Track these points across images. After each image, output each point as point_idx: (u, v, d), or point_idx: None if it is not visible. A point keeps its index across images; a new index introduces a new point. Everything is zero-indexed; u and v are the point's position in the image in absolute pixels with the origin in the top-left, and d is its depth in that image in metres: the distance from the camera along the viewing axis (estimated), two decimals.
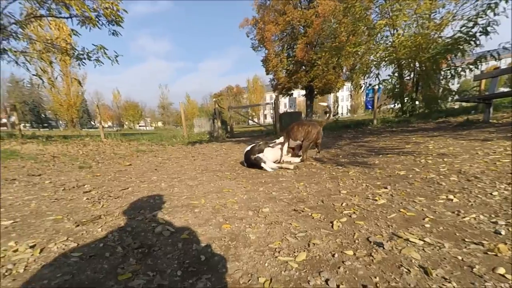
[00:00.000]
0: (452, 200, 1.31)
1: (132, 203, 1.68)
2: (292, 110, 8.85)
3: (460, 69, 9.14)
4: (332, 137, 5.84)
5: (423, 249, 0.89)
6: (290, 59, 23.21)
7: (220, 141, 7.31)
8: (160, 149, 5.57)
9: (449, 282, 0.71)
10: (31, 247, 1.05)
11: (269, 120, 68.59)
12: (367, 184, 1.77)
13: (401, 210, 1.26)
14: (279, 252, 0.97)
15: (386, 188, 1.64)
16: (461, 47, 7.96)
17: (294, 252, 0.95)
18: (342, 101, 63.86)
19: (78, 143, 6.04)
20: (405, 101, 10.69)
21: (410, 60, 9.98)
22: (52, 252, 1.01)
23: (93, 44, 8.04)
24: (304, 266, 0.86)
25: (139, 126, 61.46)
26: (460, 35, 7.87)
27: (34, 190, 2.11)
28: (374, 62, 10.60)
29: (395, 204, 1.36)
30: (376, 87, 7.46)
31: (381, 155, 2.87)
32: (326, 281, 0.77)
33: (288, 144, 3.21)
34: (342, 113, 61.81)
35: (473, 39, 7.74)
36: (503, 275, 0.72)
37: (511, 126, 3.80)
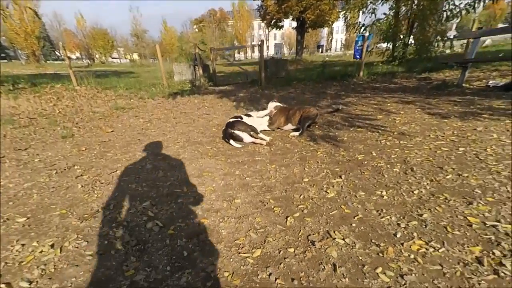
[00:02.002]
0: (383, 197, 1.67)
1: (122, 191, 1.95)
2: (278, 57, 8.38)
3: (457, 10, 8.66)
4: (315, 94, 5.91)
5: (341, 248, 1.27)
6: None
7: (202, 92, 7.15)
8: (140, 104, 5.48)
9: (344, 278, 1.10)
10: (51, 246, 1.35)
11: (257, 54, 63.74)
12: (328, 171, 2.10)
13: (342, 206, 1.62)
14: (242, 248, 1.32)
15: (340, 177, 1.97)
16: None
17: (252, 249, 1.31)
18: (337, 33, 59.08)
19: (50, 95, 5.76)
20: (397, 44, 10.33)
21: None
22: (69, 251, 1.32)
23: None
24: (258, 262, 1.23)
25: (112, 58, 55.61)
26: None
27: (28, 173, 2.29)
28: None
29: (341, 198, 1.71)
30: (367, 34, 7.05)
31: (352, 128, 3.14)
32: (269, 275, 1.15)
33: (282, 125, 3.34)
34: (336, 48, 58.25)
35: None
36: (378, 274, 1.11)
37: (476, 96, 4.06)
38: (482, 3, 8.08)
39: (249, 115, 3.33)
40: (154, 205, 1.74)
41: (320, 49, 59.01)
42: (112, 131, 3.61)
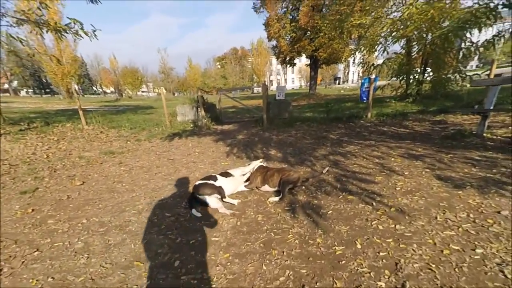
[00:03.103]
0: None
1: None
2: (281, 98, 8.29)
3: (473, 48, 8.24)
4: (316, 138, 5.50)
5: None
6: (293, 24, 21.17)
7: (203, 133, 7.05)
8: (134, 148, 5.38)
9: None
10: None
11: (275, 86, 66.45)
12: (291, 273, 1.58)
13: None
14: None
15: None
16: (480, 21, 6.93)
17: None
18: (354, 66, 59.85)
19: (54, 136, 5.90)
20: (410, 82, 9.92)
21: (420, 34, 8.96)
22: None
23: (67, 17, 7.42)
24: None
25: (142, 92, 60.72)
26: (478, 7, 6.84)
27: None
28: (382, 35, 9.59)
29: None
30: (373, 76, 6.77)
31: (342, 194, 2.63)
32: None
33: (257, 187, 2.97)
34: (353, 80, 58.43)
35: (493, 12, 6.72)
36: None
37: (500, 152, 3.39)
38: (502, 40, 7.60)
39: (228, 174, 2.96)
40: None
41: (337, 81, 59.94)
42: (82, 183, 3.41)
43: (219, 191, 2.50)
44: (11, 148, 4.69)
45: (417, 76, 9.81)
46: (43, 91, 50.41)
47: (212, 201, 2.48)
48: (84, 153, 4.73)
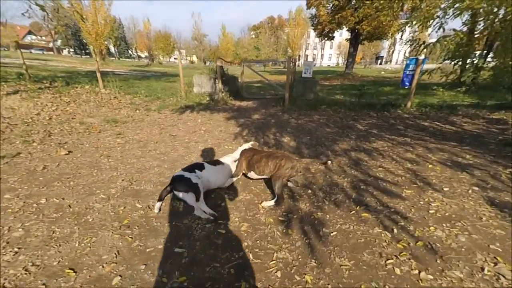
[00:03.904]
0: None
1: None
2: (307, 76, 7.37)
3: None
4: (340, 127, 4.78)
5: None
6: None
7: (218, 108, 6.62)
8: (140, 118, 5.15)
9: None
10: None
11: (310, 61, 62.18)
12: None
13: None
14: None
15: None
16: None
17: None
18: (401, 44, 53.04)
19: (68, 96, 5.90)
20: (467, 67, 8.27)
21: (490, 7, 7.14)
22: None
23: None
24: None
25: (174, 59, 61.12)
26: None
27: None
28: (442, 6, 7.87)
29: None
30: (422, 57, 5.58)
31: (356, 208, 2.10)
32: None
33: (246, 172, 2.55)
34: (397, 61, 52.25)
35: None
36: None
37: None
38: None
39: (218, 162, 2.55)
40: None
41: (379, 61, 54.35)
42: (68, 153, 3.18)
43: (195, 190, 2.08)
44: (19, 106, 4.69)
45: (476, 61, 8.11)
46: (83, 51, 52.96)
47: (189, 198, 2.10)
48: (87, 119, 4.60)
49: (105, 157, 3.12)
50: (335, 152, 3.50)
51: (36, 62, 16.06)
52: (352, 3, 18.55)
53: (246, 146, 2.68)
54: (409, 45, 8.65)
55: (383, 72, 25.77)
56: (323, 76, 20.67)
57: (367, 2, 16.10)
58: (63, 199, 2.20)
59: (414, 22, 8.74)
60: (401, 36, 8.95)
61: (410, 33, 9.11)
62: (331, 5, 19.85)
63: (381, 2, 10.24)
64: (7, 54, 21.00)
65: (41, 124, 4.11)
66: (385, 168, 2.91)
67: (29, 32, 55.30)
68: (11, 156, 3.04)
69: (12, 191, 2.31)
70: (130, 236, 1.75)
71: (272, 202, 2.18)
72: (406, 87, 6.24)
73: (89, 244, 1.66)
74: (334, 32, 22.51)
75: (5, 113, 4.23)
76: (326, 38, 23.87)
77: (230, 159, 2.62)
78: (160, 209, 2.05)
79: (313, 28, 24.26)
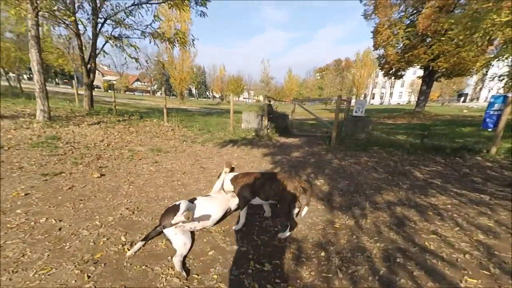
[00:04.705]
0: None
1: None
2: (358, 115, 6.72)
3: None
4: (390, 173, 3.98)
5: None
6: (408, 30, 17.76)
7: (261, 143, 6.63)
8: (183, 149, 5.55)
9: None
10: None
11: (377, 100, 58.82)
12: None
13: None
14: None
15: None
16: None
17: None
18: (492, 81, 43.78)
19: (132, 129, 6.96)
20: None
21: None
22: None
23: (175, 29, 8.99)
24: None
25: (243, 98, 68.64)
26: None
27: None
28: None
29: None
30: (510, 94, 4.34)
31: None
32: None
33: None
34: (486, 98, 42.87)
35: None
36: None
37: None
38: None
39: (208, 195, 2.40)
40: None
41: (463, 98, 46.41)
42: (100, 176, 3.39)
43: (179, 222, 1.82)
44: (91, 133, 5.69)
45: None
46: (171, 93, 65.28)
47: (176, 238, 1.83)
48: (137, 147, 5.20)
49: (128, 183, 3.23)
50: (375, 205, 2.82)
51: (132, 101, 20.42)
52: (426, 41, 17.12)
53: (230, 174, 2.40)
54: (496, 81, 7.01)
55: (465, 111, 21.52)
56: (388, 115, 18.77)
57: (443, 39, 14.52)
58: (60, 220, 2.20)
59: (507, 55, 7.25)
60: (486, 72, 7.41)
61: (499, 68, 7.48)
62: (401, 45, 18.83)
63: (461, 38, 9.03)
64: (116, 95, 27.50)
65: (98, 149, 4.78)
66: (441, 237, 2.11)
67: (137, 79, 72.21)
68: (53, 175, 3.26)
69: (26, 206, 2.41)
70: (89, 274, 1.58)
71: (287, 233, 2.08)
72: (489, 130, 4.88)
73: (43, 276, 1.54)
74: (402, 71, 20.89)
75: (77, 139, 5.23)
76: (393, 77, 22.26)
77: (214, 188, 2.42)
78: (134, 251, 1.80)
79: (379, 67, 23.19)
